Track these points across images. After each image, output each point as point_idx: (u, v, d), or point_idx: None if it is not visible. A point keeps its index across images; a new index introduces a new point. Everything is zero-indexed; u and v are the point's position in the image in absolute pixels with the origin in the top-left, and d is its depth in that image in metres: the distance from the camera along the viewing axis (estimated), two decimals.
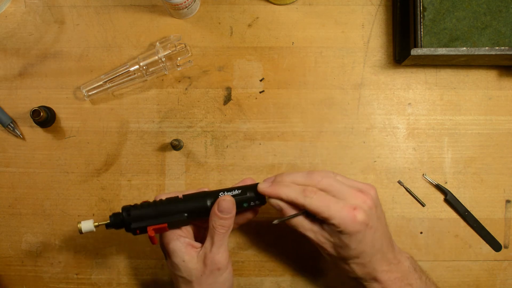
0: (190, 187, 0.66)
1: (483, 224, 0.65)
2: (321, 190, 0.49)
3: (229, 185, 0.66)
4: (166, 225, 0.51)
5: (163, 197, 0.54)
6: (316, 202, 0.48)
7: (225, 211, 0.51)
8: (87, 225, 0.52)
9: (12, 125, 0.66)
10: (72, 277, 0.66)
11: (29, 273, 0.66)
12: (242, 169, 0.66)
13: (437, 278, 0.65)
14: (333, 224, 0.48)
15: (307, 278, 0.66)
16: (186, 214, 0.52)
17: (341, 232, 0.48)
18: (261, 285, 0.66)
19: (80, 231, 0.52)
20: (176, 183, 0.66)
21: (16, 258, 0.67)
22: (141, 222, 0.52)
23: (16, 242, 0.67)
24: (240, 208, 0.53)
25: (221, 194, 0.53)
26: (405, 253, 0.54)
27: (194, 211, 0.52)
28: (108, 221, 0.52)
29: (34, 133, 0.67)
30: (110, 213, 0.54)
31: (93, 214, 0.66)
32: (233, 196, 0.53)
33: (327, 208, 0.48)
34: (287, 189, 0.50)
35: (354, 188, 0.50)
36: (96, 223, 0.52)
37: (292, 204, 0.50)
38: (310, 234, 0.50)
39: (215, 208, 0.52)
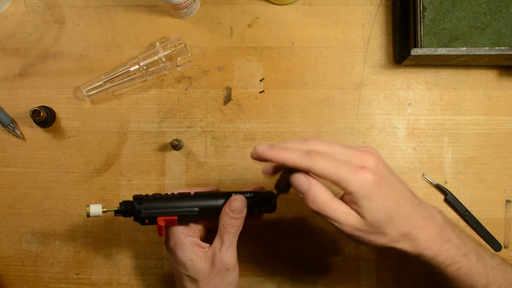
0: (190, 187, 0.66)
1: (483, 224, 0.65)
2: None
3: (229, 185, 0.66)
4: (176, 218, 0.51)
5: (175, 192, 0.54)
6: (323, 165, 0.43)
7: (236, 210, 0.51)
8: (95, 209, 0.51)
9: (12, 125, 0.66)
10: (72, 277, 0.66)
11: (29, 273, 0.66)
12: (242, 169, 0.66)
13: (437, 278, 0.65)
14: (346, 190, 0.44)
15: (307, 278, 0.66)
16: (197, 209, 0.52)
17: (358, 197, 0.44)
18: (261, 285, 0.66)
19: (88, 215, 0.51)
20: (176, 183, 0.66)
21: (16, 258, 0.67)
22: (151, 213, 0.51)
23: (16, 242, 0.67)
24: (251, 212, 0.54)
25: (233, 194, 0.53)
26: (434, 206, 0.51)
27: (205, 208, 0.52)
28: (117, 208, 0.52)
29: (34, 133, 0.67)
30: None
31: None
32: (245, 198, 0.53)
33: (336, 170, 0.43)
34: (289, 153, 0.45)
35: (354, 149, 0.46)
36: (105, 208, 0.52)
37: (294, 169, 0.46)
38: (340, 216, 0.45)
39: (226, 207, 0.52)
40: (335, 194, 0.46)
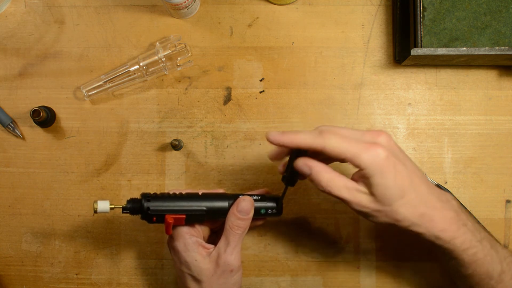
0: (190, 187, 0.66)
1: (483, 224, 0.65)
2: None
3: (229, 185, 0.66)
4: (184, 216, 0.51)
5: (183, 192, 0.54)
6: (336, 143, 0.45)
7: (243, 211, 0.52)
8: (102, 206, 0.51)
9: (12, 125, 0.66)
10: (72, 277, 0.66)
11: (29, 273, 0.66)
12: (242, 169, 0.66)
13: (438, 278, 0.65)
14: (359, 166, 0.45)
15: (307, 278, 0.66)
16: (205, 208, 0.52)
17: (370, 173, 0.44)
18: (261, 285, 0.66)
19: (95, 211, 0.51)
20: (176, 183, 0.66)
21: (16, 258, 0.67)
22: (159, 210, 0.51)
23: (16, 242, 0.67)
24: (258, 214, 0.54)
25: (241, 196, 0.53)
26: (447, 191, 0.51)
27: (213, 208, 0.53)
28: (125, 205, 0.52)
29: (34, 133, 0.67)
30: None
31: (93, 214, 0.66)
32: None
33: (348, 147, 0.44)
34: (301, 135, 0.46)
35: (365, 130, 0.47)
36: (112, 205, 0.51)
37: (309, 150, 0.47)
38: (345, 193, 0.46)
39: (234, 207, 0.52)
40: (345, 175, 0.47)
